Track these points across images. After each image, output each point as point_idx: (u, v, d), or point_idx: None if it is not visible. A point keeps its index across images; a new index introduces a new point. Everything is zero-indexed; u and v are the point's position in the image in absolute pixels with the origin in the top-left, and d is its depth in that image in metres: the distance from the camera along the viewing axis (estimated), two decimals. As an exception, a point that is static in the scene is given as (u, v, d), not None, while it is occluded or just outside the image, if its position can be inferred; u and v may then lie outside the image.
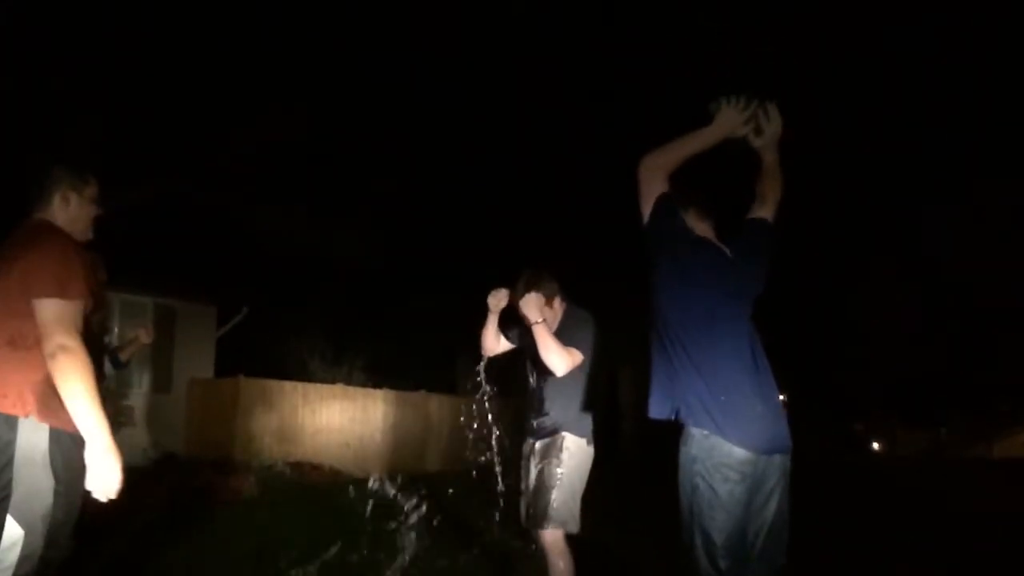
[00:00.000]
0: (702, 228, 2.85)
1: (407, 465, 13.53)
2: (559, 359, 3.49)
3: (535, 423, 3.73)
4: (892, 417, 33.98)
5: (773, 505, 2.62)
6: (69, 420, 2.44)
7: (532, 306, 3.54)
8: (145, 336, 4.79)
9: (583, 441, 3.62)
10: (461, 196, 14.49)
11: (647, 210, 2.69)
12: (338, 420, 13.12)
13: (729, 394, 2.58)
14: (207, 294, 13.80)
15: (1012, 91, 16.61)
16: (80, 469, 2.44)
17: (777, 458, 2.63)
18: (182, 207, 12.61)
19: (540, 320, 3.51)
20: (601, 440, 3.73)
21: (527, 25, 12.57)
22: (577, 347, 3.56)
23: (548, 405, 3.67)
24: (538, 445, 3.71)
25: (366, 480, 6.09)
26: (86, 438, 2.38)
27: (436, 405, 14.75)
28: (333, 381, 14.51)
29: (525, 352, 3.77)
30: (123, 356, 4.69)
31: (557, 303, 3.77)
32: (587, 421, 3.67)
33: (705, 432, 2.57)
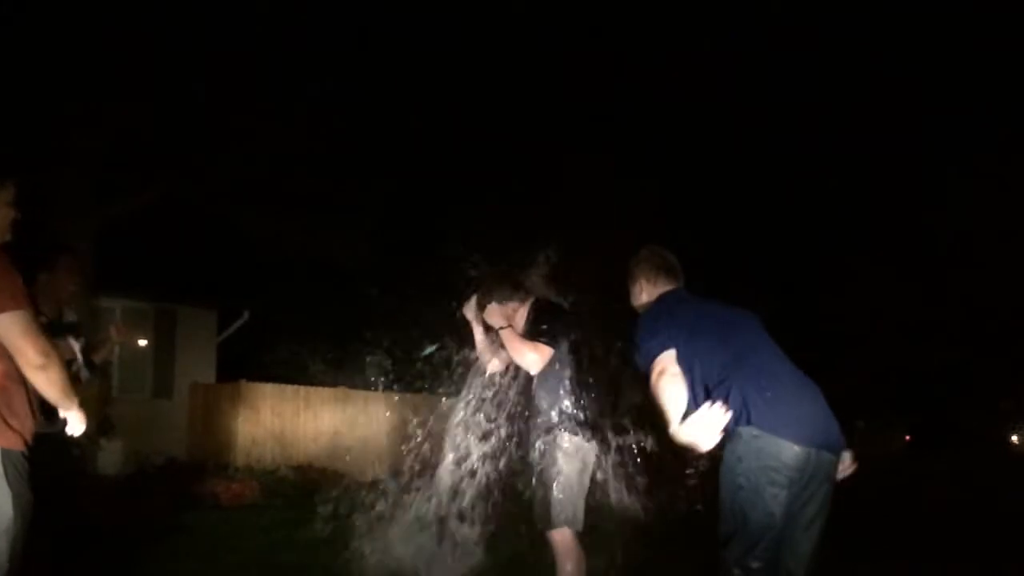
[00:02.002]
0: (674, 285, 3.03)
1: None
2: (527, 357, 3.53)
3: (533, 424, 3.73)
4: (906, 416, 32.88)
5: (811, 508, 2.60)
6: (16, 439, 2.44)
7: (495, 313, 3.63)
8: (116, 335, 4.53)
9: (579, 439, 3.59)
10: (462, 197, 14.47)
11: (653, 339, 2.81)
12: (340, 423, 13.11)
13: (774, 389, 2.61)
14: (208, 299, 13.80)
15: (1012, 91, 16.62)
16: (28, 476, 2.45)
17: (826, 456, 2.61)
18: (182, 212, 12.59)
19: (505, 325, 3.55)
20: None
21: (526, 23, 12.58)
22: (542, 341, 3.53)
23: (539, 405, 3.66)
24: (539, 446, 3.71)
25: (369, 483, 6.08)
26: (67, 418, 2.62)
27: (439, 407, 14.71)
28: (335, 384, 14.49)
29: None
30: (96, 358, 4.36)
31: (520, 304, 3.73)
32: (581, 417, 3.63)
33: (755, 433, 2.55)
